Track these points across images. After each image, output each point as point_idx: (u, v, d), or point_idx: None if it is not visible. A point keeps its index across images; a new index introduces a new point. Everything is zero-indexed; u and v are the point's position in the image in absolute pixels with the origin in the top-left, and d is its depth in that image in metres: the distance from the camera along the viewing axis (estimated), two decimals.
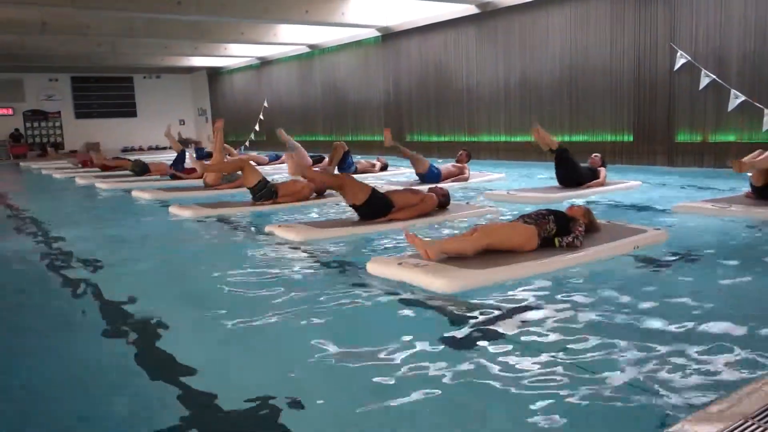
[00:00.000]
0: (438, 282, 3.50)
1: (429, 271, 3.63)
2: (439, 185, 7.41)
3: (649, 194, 7.35)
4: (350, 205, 5.73)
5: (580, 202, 6.41)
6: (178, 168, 10.86)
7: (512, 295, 3.38)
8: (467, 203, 6.71)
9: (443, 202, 6.13)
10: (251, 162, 7.90)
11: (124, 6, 12.69)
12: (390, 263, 3.91)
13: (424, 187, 6.51)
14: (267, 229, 5.59)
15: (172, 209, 7.06)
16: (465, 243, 3.93)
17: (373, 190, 5.68)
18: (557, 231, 4.14)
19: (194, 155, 11.99)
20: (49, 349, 2.94)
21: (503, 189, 7.87)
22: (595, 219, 4.64)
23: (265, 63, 22.17)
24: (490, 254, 3.96)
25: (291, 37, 17.87)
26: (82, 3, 12.37)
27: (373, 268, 3.95)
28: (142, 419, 2.17)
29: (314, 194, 7.48)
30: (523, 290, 3.47)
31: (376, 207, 5.61)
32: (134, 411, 2.25)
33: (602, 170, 7.93)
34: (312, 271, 4.21)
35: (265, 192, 7.07)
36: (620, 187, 7.81)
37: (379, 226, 5.50)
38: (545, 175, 9.24)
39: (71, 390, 2.45)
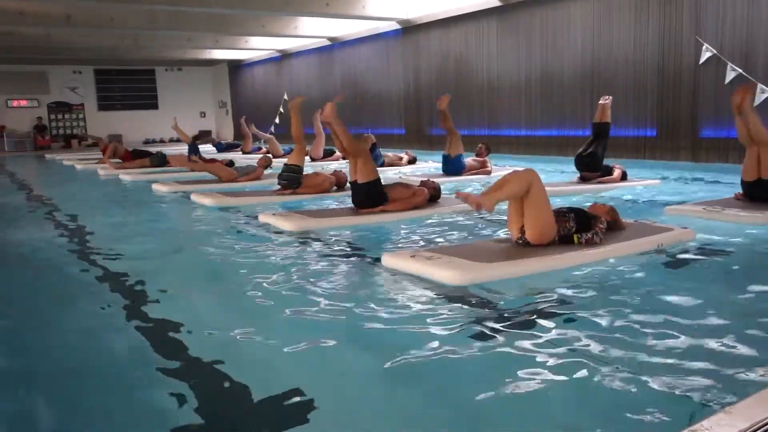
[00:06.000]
0: (448, 274, 3.50)
1: (440, 264, 3.63)
2: (431, 179, 7.32)
3: (657, 196, 7.06)
4: (352, 182, 5.81)
5: (567, 202, 6.33)
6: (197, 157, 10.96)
7: (524, 290, 3.34)
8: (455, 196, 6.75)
9: (434, 196, 6.23)
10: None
11: None
12: (403, 256, 3.91)
13: (416, 181, 6.71)
14: (260, 217, 5.68)
15: (194, 197, 7.18)
16: (512, 184, 3.88)
17: (379, 179, 5.80)
18: (577, 229, 4.07)
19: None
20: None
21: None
22: (620, 217, 4.53)
23: (285, 56, 22.24)
24: (503, 250, 3.98)
25: (311, 30, 17.90)
26: None
27: (388, 261, 3.96)
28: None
29: (335, 187, 7.51)
30: (536, 285, 3.41)
31: (374, 195, 5.73)
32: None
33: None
34: (332, 261, 4.24)
35: (294, 177, 7.14)
36: (635, 184, 7.68)
37: (374, 216, 5.64)
38: (569, 170, 9.13)
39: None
